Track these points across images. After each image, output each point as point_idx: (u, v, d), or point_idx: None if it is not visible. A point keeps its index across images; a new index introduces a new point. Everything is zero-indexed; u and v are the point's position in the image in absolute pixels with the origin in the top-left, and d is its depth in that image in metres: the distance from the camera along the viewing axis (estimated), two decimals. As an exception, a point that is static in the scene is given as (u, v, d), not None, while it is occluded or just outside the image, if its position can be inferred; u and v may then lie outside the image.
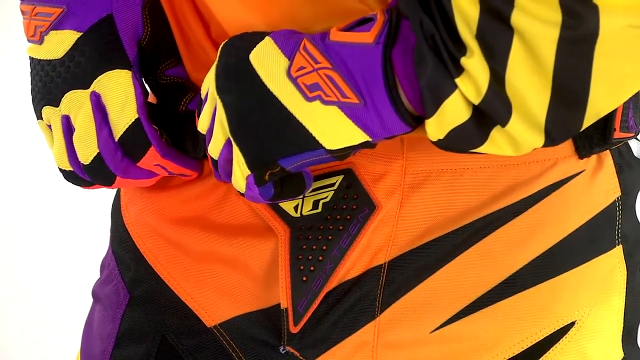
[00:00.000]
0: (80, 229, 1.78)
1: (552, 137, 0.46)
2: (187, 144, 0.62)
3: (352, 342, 0.61)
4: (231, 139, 0.52)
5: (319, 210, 0.59)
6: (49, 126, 0.62)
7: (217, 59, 0.52)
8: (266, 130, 0.50)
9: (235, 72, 0.51)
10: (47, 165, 0.63)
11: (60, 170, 0.63)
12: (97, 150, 0.59)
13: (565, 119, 0.45)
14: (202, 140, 0.58)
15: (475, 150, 0.48)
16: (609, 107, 0.45)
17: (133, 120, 0.59)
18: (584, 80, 0.43)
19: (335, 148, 0.50)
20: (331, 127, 0.49)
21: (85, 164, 0.60)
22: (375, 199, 0.59)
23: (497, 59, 0.43)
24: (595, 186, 0.62)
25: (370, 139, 0.49)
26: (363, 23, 0.49)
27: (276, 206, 0.60)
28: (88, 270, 0.97)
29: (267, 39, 0.51)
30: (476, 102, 0.44)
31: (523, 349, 0.60)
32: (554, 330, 0.61)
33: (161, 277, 0.66)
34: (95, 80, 0.58)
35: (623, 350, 0.63)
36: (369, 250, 0.60)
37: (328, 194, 0.59)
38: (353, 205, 0.59)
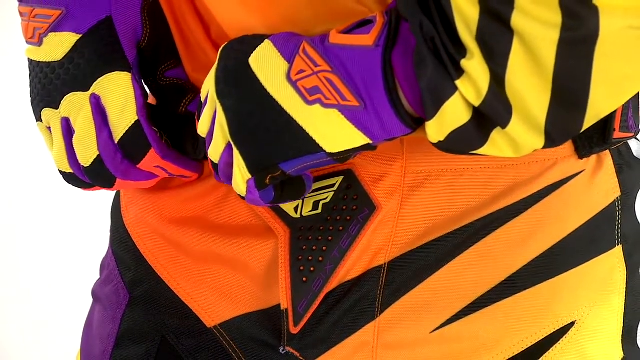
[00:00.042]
0: (80, 229, 1.78)
1: (552, 139, 0.46)
2: (187, 146, 0.62)
3: (352, 343, 0.61)
4: (231, 142, 0.52)
5: (319, 211, 0.59)
6: (49, 128, 0.62)
7: (217, 62, 0.52)
8: (266, 134, 0.50)
9: (234, 75, 0.51)
10: (47, 165, 0.63)
11: (60, 172, 0.63)
12: (97, 153, 0.59)
13: (566, 121, 0.45)
14: (202, 142, 0.58)
15: (475, 152, 0.48)
16: (609, 109, 0.45)
17: (133, 122, 0.59)
18: (584, 81, 0.43)
19: (336, 151, 0.50)
20: (331, 130, 0.49)
21: (85, 166, 0.60)
22: (375, 199, 0.59)
23: (497, 61, 0.43)
24: (595, 186, 0.62)
25: (371, 142, 0.49)
26: (362, 25, 0.49)
27: (276, 207, 0.60)
28: (88, 271, 0.97)
29: (267, 42, 0.51)
30: (476, 104, 0.44)
31: (523, 349, 0.60)
32: (554, 330, 0.61)
33: (161, 278, 0.66)
34: (94, 83, 0.58)
35: (623, 350, 0.63)
36: (369, 250, 0.60)
37: (328, 195, 0.59)
38: (353, 206, 0.59)
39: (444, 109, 0.45)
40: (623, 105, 0.59)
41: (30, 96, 0.61)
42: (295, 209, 0.59)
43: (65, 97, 0.59)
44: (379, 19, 0.48)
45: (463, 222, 0.59)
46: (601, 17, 0.41)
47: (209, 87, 0.54)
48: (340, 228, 0.59)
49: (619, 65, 0.42)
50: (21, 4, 0.61)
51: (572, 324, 0.61)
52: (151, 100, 0.67)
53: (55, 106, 0.60)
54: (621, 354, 0.63)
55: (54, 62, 0.59)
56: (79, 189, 0.66)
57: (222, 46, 0.53)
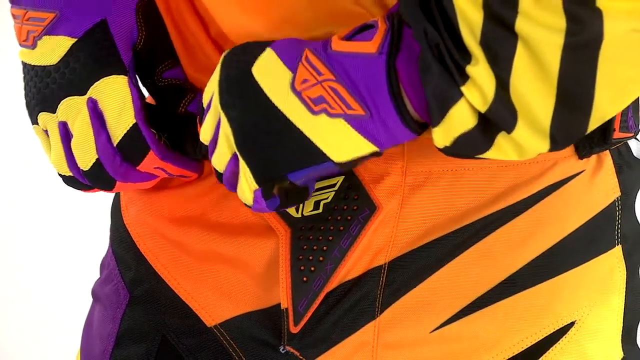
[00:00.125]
0: (80, 229, 1.78)
1: (557, 142, 0.45)
2: (187, 146, 0.62)
3: (352, 342, 0.61)
4: (237, 153, 0.51)
5: (320, 210, 0.59)
6: (45, 131, 0.62)
7: (219, 70, 0.52)
8: (273, 145, 0.50)
9: (238, 86, 0.51)
10: (47, 165, 0.63)
11: (60, 175, 0.63)
12: (96, 156, 0.59)
13: (570, 124, 0.45)
14: (202, 143, 0.58)
15: (480, 156, 0.48)
16: (614, 111, 0.45)
17: (131, 125, 0.59)
18: (588, 85, 0.43)
19: (343, 160, 0.50)
20: (338, 139, 0.49)
21: (84, 169, 0.60)
22: (375, 199, 0.59)
23: (501, 65, 0.43)
24: (595, 186, 0.62)
25: (378, 149, 0.49)
26: (364, 29, 0.49)
27: (277, 207, 0.60)
28: (88, 270, 0.97)
29: (269, 50, 0.50)
30: (483, 109, 0.44)
31: (523, 349, 0.60)
32: (554, 330, 0.61)
33: (161, 277, 0.66)
34: (91, 87, 0.58)
35: (623, 350, 0.63)
36: (369, 250, 0.60)
37: (329, 195, 0.59)
38: (354, 206, 0.59)
39: (449, 115, 0.45)
40: (623, 105, 0.59)
41: (25, 99, 0.61)
42: (297, 209, 0.59)
43: (62, 101, 0.59)
44: (380, 24, 0.48)
45: (463, 222, 0.59)
46: (605, 20, 0.40)
47: (211, 94, 0.53)
48: (341, 228, 0.59)
49: (623, 68, 0.42)
50: (14, 7, 0.60)
51: (572, 323, 0.61)
52: (150, 100, 0.67)
53: (52, 110, 0.59)
54: (621, 354, 0.63)
55: (50, 66, 0.59)
56: (79, 191, 0.66)
57: (224, 54, 0.53)
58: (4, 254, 1.88)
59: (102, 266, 0.73)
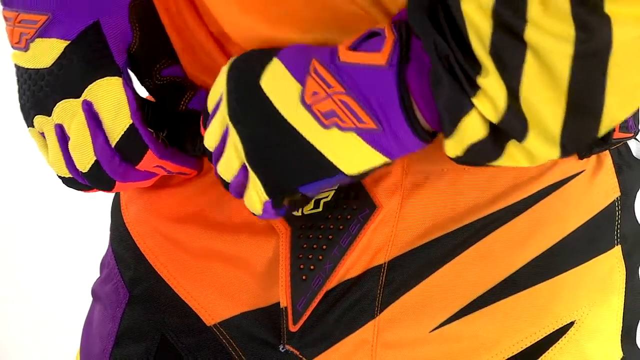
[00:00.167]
0: (80, 228, 1.78)
1: (567, 149, 0.45)
2: (186, 144, 0.62)
3: (351, 341, 0.61)
4: (247, 165, 0.51)
5: (320, 209, 0.59)
6: (42, 134, 0.62)
7: (226, 81, 0.52)
8: (284, 159, 0.50)
9: (247, 98, 0.51)
10: (47, 165, 0.63)
11: (59, 176, 0.63)
12: (95, 158, 0.59)
13: (580, 131, 0.45)
14: (201, 141, 0.58)
15: (491, 164, 0.48)
16: (623, 117, 0.45)
17: (128, 126, 0.59)
18: (598, 92, 0.43)
19: (355, 173, 0.50)
20: (350, 153, 0.49)
21: (83, 171, 0.60)
22: (375, 199, 0.59)
23: (511, 74, 0.43)
24: (595, 186, 0.62)
25: (389, 160, 0.49)
26: (370, 37, 0.49)
27: (278, 205, 0.60)
28: (88, 270, 0.97)
29: (276, 61, 0.50)
30: (494, 120, 0.44)
31: (522, 349, 0.60)
32: (554, 330, 0.61)
33: (161, 276, 0.66)
34: (86, 89, 0.58)
35: (622, 350, 0.63)
36: (369, 250, 0.60)
37: (329, 193, 0.59)
38: (353, 205, 0.59)
39: (461, 125, 0.45)
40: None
41: (20, 102, 0.61)
42: (297, 207, 0.59)
43: (57, 104, 0.59)
44: (387, 33, 0.47)
45: (463, 221, 0.59)
46: (614, 27, 0.40)
47: (216, 99, 0.53)
48: (341, 227, 0.59)
49: (632, 74, 0.42)
50: (5, 9, 0.60)
51: (572, 323, 0.61)
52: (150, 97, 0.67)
53: (47, 113, 0.59)
54: (620, 354, 0.63)
55: (43, 69, 0.59)
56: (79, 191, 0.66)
57: (229, 63, 0.52)
58: (4, 254, 1.88)
59: (102, 265, 0.73)
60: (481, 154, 0.47)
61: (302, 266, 0.59)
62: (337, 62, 0.48)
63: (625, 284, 0.63)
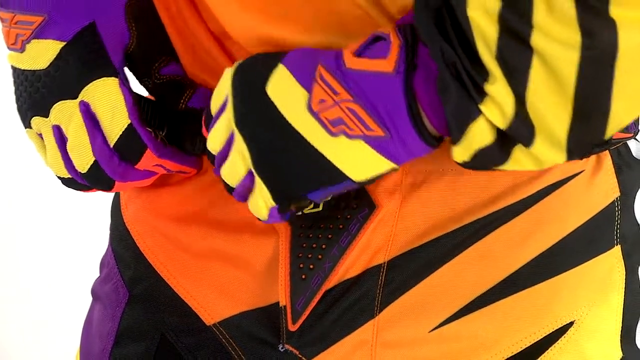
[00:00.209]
0: (80, 228, 1.78)
1: (573, 154, 0.46)
2: (185, 142, 0.62)
3: (351, 341, 0.61)
4: (253, 171, 0.51)
5: (320, 209, 0.59)
6: (40, 135, 0.62)
7: (231, 87, 0.52)
8: (291, 166, 0.50)
9: (253, 106, 0.51)
10: (46, 166, 0.64)
11: (58, 177, 0.63)
12: (93, 158, 0.59)
13: (587, 136, 0.45)
14: (201, 140, 0.58)
15: (498, 168, 0.48)
16: (628, 121, 0.45)
17: (126, 126, 0.59)
18: (605, 97, 0.43)
19: (363, 179, 0.50)
20: (358, 160, 0.49)
21: (82, 172, 0.60)
22: (375, 198, 0.59)
23: (517, 80, 0.43)
24: (595, 186, 0.62)
25: (396, 166, 0.49)
26: (375, 41, 0.48)
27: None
28: (88, 270, 0.97)
29: (281, 67, 0.50)
30: (502, 126, 0.44)
31: (522, 349, 0.60)
32: (553, 330, 0.61)
33: (161, 275, 0.66)
34: (82, 90, 0.58)
35: (622, 349, 0.63)
36: (368, 249, 0.60)
37: (329, 193, 0.59)
38: (353, 205, 0.59)
39: (469, 132, 0.45)
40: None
41: (17, 103, 0.61)
42: (297, 206, 0.59)
43: (54, 105, 0.59)
44: (393, 38, 0.47)
45: (463, 221, 0.59)
46: (619, 31, 0.40)
47: (220, 103, 0.53)
48: (340, 226, 0.59)
49: (638, 79, 0.42)
50: (1, 10, 0.60)
51: (571, 323, 0.61)
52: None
53: (45, 115, 0.59)
54: (620, 354, 0.63)
55: (39, 70, 0.59)
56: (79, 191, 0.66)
57: (235, 67, 0.52)
58: (4, 254, 1.88)
59: (102, 265, 0.73)
60: (488, 159, 0.47)
61: (301, 265, 0.59)
62: (343, 68, 0.48)
63: (625, 284, 0.63)
